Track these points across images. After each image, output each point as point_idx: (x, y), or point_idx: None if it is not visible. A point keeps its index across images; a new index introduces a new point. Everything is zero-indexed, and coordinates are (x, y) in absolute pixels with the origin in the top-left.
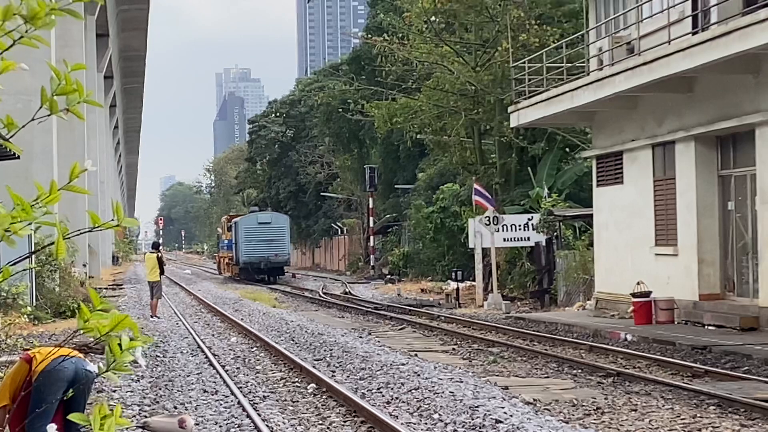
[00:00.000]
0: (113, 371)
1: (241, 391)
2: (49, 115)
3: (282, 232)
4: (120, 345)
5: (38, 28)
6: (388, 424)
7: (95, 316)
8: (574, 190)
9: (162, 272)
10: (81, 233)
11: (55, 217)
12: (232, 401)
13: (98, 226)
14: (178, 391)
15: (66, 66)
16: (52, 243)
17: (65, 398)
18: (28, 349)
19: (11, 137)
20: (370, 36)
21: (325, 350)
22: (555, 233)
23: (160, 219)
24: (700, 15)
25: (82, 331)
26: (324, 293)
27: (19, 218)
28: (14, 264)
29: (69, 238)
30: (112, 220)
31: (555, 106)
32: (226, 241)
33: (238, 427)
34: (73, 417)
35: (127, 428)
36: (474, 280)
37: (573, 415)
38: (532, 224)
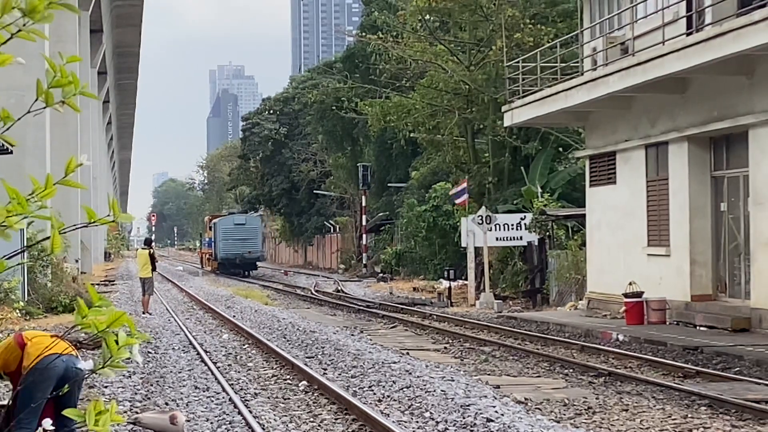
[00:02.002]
0: (109, 368)
1: (232, 388)
2: (44, 108)
3: (255, 232)
4: (116, 341)
5: (36, 21)
6: (379, 422)
7: (93, 312)
8: (567, 189)
9: (154, 268)
10: (76, 228)
11: (50, 211)
12: (223, 398)
13: (94, 222)
14: (170, 387)
15: (61, 59)
16: (47, 238)
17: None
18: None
19: (5, 131)
20: (364, 34)
21: (316, 348)
22: (547, 233)
23: (153, 215)
24: (694, 16)
25: (79, 327)
26: (316, 291)
27: (15, 212)
28: (7, 258)
29: (64, 233)
30: (108, 215)
31: (549, 105)
32: (207, 239)
33: (230, 423)
34: (68, 413)
35: (119, 424)
36: (466, 279)
37: (564, 414)
38: (525, 224)
